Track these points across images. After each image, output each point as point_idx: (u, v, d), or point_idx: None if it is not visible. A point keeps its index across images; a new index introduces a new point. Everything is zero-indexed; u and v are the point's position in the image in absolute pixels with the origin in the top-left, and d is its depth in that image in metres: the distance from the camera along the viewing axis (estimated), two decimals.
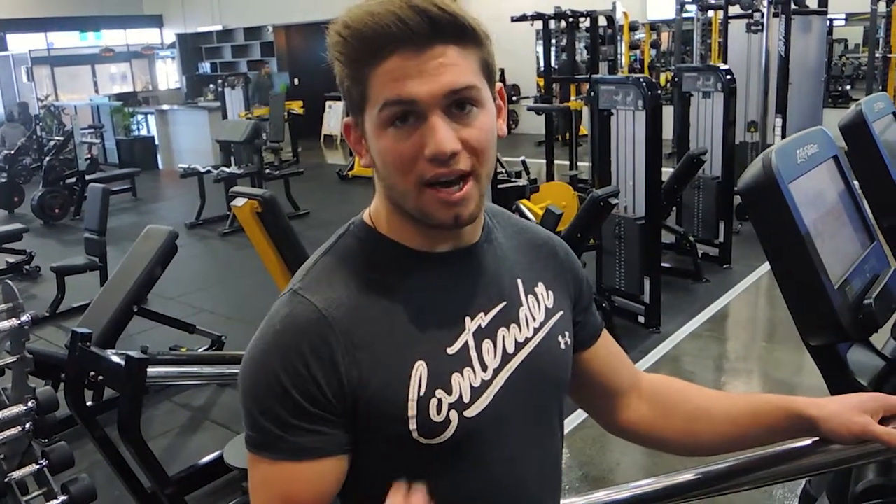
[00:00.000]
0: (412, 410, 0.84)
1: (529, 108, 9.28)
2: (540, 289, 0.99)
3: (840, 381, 1.33)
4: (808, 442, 1.02)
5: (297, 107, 11.99)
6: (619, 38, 8.48)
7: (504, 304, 0.94)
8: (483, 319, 0.91)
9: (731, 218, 5.93)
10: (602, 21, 8.27)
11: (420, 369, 0.85)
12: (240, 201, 3.03)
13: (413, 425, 0.85)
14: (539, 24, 8.01)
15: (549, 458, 1.00)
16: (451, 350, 0.88)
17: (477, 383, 0.88)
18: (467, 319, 0.90)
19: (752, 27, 6.82)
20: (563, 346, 0.99)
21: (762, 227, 1.29)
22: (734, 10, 7.25)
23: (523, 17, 7.80)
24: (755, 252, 6.08)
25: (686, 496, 1.08)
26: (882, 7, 8.94)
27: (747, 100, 6.83)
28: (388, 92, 0.81)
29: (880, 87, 9.12)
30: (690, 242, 5.63)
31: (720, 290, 5.33)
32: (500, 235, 0.98)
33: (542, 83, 9.82)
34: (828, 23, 8.00)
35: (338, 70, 0.85)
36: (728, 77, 5.64)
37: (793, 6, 6.67)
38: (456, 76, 0.81)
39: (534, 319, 0.96)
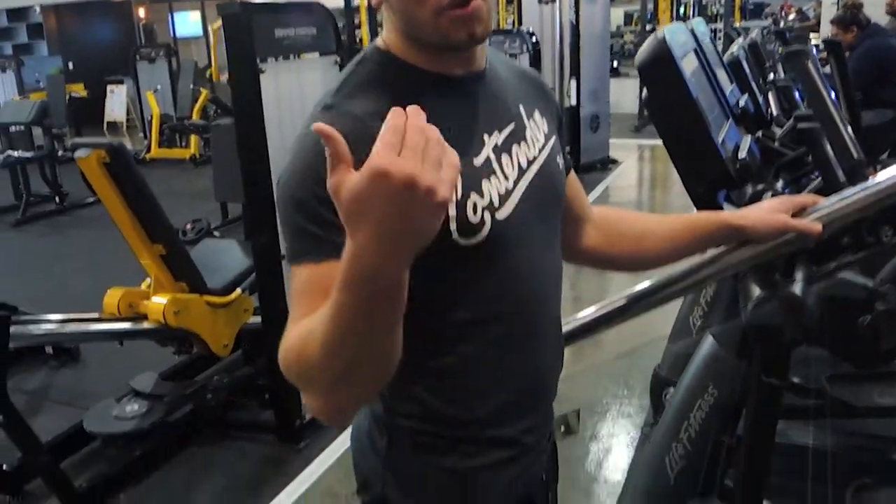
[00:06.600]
0: (451, 211, 0.90)
1: None
2: (536, 115, 1.09)
3: None
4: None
5: (79, 90, 11.09)
6: None
7: (513, 124, 1.03)
8: (498, 137, 1.00)
9: None
10: None
11: None
12: (84, 152, 2.80)
13: (453, 226, 0.90)
14: None
15: (557, 260, 1.11)
16: (476, 161, 0.96)
17: (502, 191, 0.97)
18: (486, 136, 0.98)
19: None
20: (560, 165, 1.11)
21: (659, 95, 1.50)
22: None
23: None
24: None
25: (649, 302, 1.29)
26: None
27: (542, 66, 7.36)
28: None
29: None
30: None
31: None
32: (499, 67, 1.08)
33: None
34: None
35: None
36: (534, 40, 6.07)
37: None
38: None
39: (537, 140, 1.06)
